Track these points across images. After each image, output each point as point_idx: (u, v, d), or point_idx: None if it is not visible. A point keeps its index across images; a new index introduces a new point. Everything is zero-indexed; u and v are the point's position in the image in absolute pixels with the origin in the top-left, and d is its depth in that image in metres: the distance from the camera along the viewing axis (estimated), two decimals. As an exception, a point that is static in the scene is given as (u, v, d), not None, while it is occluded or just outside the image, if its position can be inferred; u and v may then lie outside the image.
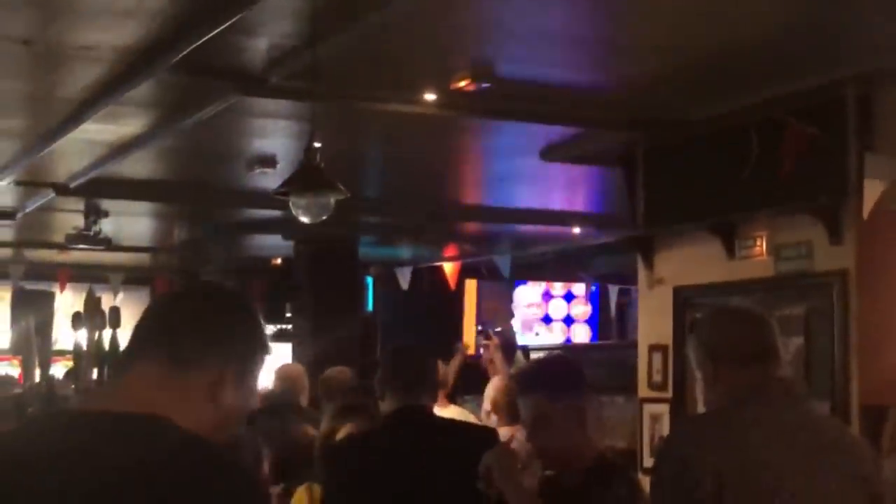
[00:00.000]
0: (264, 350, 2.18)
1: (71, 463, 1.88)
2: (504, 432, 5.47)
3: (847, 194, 6.69)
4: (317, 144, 5.87)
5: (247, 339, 2.16)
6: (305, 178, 5.52)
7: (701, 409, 3.35)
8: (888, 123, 6.64)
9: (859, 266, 6.75)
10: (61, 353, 12.04)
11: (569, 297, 16.36)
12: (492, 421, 7.05)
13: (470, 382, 9.73)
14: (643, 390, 8.31)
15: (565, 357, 4.63)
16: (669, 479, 3.06)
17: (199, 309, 2.15)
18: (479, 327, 14.13)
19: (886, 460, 5.29)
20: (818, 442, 3.07)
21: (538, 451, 3.45)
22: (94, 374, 6.86)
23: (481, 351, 9.94)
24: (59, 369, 11.54)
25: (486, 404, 7.25)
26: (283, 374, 7.56)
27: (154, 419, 1.97)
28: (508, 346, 9.19)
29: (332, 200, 5.61)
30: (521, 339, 14.74)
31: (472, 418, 7.13)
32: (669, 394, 7.98)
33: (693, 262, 7.97)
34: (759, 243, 7.47)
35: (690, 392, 7.80)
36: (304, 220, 5.58)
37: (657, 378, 8.14)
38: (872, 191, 6.40)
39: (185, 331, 2.10)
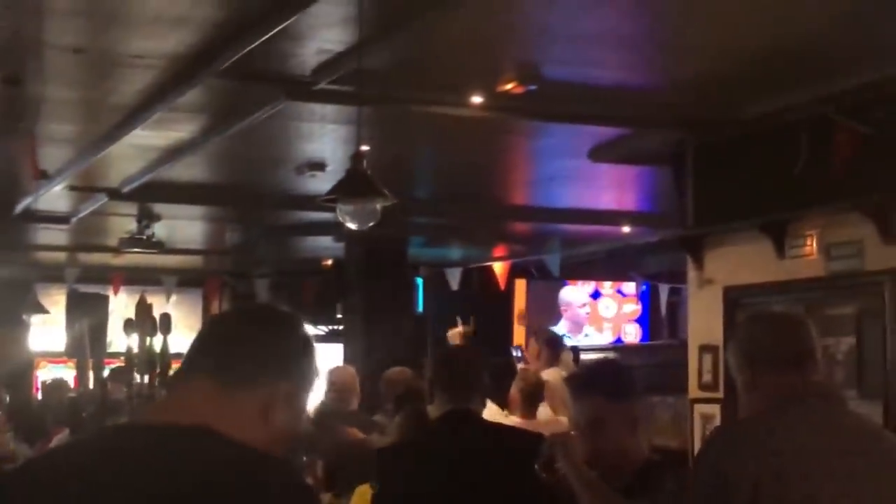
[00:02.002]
0: (314, 374, 2.23)
1: (142, 477, 1.92)
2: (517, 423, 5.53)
3: (898, 192, 6.64)
4: (364, 149, 5.90)
5: (299, 362, 2.20)
6: (352, 185, 5.54)
7: (741, 413, 3.35)
8: (940, 121, 6.59)
9: (912, 265, 6.69)
10: (115, 355, 12.18)
11: (619, 296, 16.33)
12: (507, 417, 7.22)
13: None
14: (693, 391, 8.28)
15: (618, 361, 4.63)
16: (705, 488, 3.06)
17: (253, 330, 2.19)
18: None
19: None
20: (856, 447, 3.05)
21: (591, 454, 3.46)
22: (146, 378, 6.93)
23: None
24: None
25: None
26: (333, 379, 7.60)
27: (212, 433, 2.02)
28: (553, 345, 9.18)
29: (379, 207, 5.63)
30: (570, 340, 14.72)
31: (497, 415, 7.22)
32: (720, 394, 7.94)
33: (743, 261, 7.94)
34: (809, 242, 7.43)
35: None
36: (352, 226, 5.61)
37: (707, 378, 8.10)
38: (924, 189, 6.35)
39: (238, 352, 2.14)
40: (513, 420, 7.29)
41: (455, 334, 10.08)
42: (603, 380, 3.57)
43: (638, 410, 3.52)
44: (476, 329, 10.97)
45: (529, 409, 7.52)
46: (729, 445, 3.13)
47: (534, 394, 7.67)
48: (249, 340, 2.17)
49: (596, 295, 16.33)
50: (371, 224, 5.72)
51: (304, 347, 2.22)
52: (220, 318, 2.38)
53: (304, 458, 5.73)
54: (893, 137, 6.69)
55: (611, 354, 13.46)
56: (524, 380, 7.74)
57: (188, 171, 9.67)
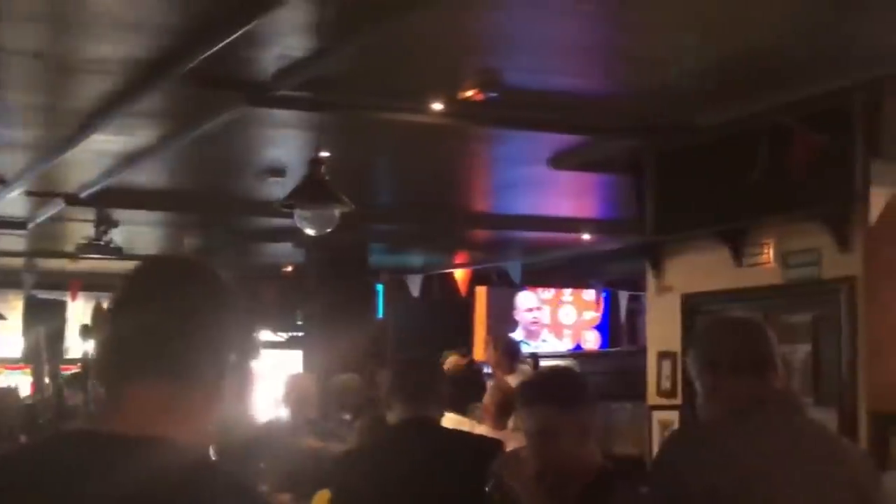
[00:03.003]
0: (257, 350, 2.11)
1: (82, 487, 1.88)
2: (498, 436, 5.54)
3: (854, 201, 6.70)
4: (324, 155, 5.90)
5: (242, 341, 2.06)
6: (310, 191, 5.55)
7: (701, 419, 3.36)
8: (895, 130, 6.65)
9: (867, 273, 6.76)
10: (73, 361, 12.09)
11: (578, 303, 16.37)
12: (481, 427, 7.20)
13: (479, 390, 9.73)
14: (652, 397, 8.32)
15: (569, 369, 4.60)
16: (663, 491, 3.07)
17: (189, 314, 2.00)
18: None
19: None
20: (815, 453, 3.06)
21: (542, 464, 3.41)
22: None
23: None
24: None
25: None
26: (292, 386, 7.58)
27: (163, 442, 1.93)
28: (511, 353, 9.19)
29: (337, 213, 5.64)
30: (527, 347, 14.75)
31: (464, 425, 7.21)
32: (679, 400, 7.98)
33: (701, 268, 7.98)
34: (766, 250, 7.48)
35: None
36: (309, 232, 5.61)
37: (666, 385, 8.14)
38: (879, 198, 6.41)
39: (180, 346, 1.97)
40: (483, 430, 7.28)
41: (453, 361, 10.03)
42: (553, 388, 3.51)
43: (589, 419, 3.45)
44: (471, 359, 11.00)
45: (502, 419, 7.52)
46: (687, 450, 3.14)
47: (508, 404, 7.66)
48: (193, 331, 1.98)
49: (556, 303, 16.37)
50: (329, 230, 5.72)
51: (244, 322, 2.07)
52: (148, 295, 2.03)
53: (262, 465, 5.71)
54: (849, 146, 6.75)
55: (570, 361, 13.50)
56: (500, 390, 7.72)
57: (147, 176, 9.62)
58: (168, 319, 1.99)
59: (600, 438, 3.50)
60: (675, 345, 8.03)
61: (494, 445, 4.37)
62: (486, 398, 7.62)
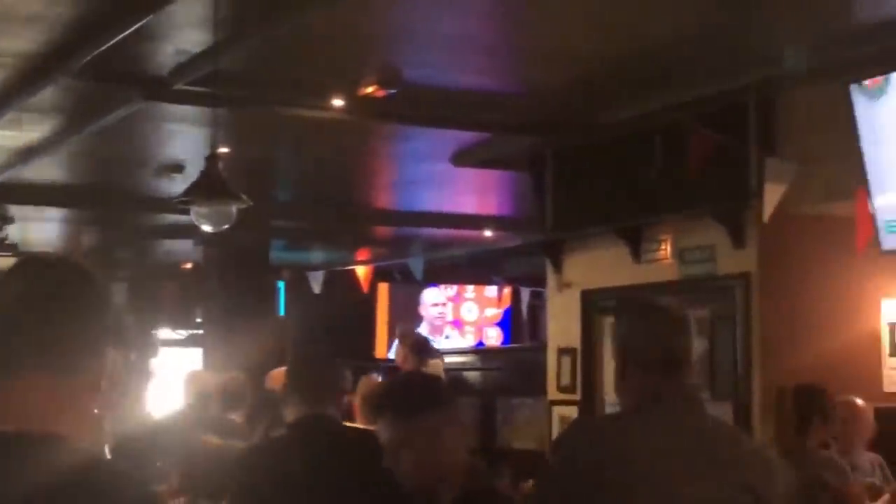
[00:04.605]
0: (155, 348, 2.10)
1: None
2: None
3: (749, 199, 6.82)
4: (222, 151, 5.85)
5: (115, 321, 2.04)
6: (207, 187, 5.49)
7: (612, 402, 3.36)
8: (788, 129, 6.78)
9: (761, 269, 6.88)
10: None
11: (480, 300, 16.43)
12: None
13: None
14: (552, 392, 8.38)
15: (420, 374, 4.38)
16: (556, 472, 3.06)
17: (64, 308, 1.97)
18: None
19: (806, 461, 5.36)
20: (712, 451, 3.07)
21: (404, 475, 3.31)
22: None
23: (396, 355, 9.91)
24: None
25: None
26: (192, 384, 7.50)
27: (50, 439, 1.89)
28: (419, 349, 9.18)
29: (235, 209, 5.58)
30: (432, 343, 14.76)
31: None
32: (578, 396, 8.06)
33: (600, 265, 8.06)
34: (664, 247, 7.58)
35: (598, 394, 7.90)
36: (206, 228, 5.55)
37: (566, 380, 8.21)
38: (773, 195, 6.52)
39: (58, 336, 1.94)
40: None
41: (435, 365, 9.92)
42: (396, 397, 3.42)
43: (445, 425, 3.36)
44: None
45: (370, 416, 7.38)
46: (585, 441, 3.13)
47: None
48: (68, 321, 1.96)
49: (458, 299, 16.41)
50: (226, 226, 5.66)
51: (109, 308, 2.04)
52: (20, 297, 2.01)
53: (159, 465, 5.65)
54: (744, 145, 6.86)
55: (472, 357, 13.56)
56: (367, 387, 7.62)
57: (43, 171, 9.46)
58: (44, 314, 1.97)
59: (458, 439, 3.36)
60: (575, 341, 8.10)
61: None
62: (356, 396, 7.44)
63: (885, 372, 7.00)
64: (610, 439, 3.09)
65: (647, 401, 3.12)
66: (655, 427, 3.08)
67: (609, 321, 7.29)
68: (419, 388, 3.43)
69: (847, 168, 6.18)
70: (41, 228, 12.63)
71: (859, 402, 6.09)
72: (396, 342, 9.65)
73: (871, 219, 6.12)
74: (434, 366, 9.35)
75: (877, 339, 7.04)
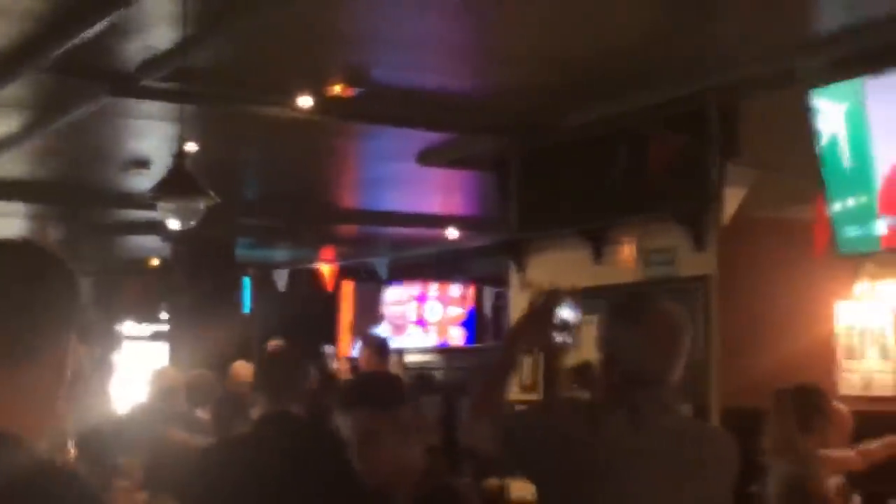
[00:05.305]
0: (119, 342, 1.96)
1: None
2: None
3: (710, 202, 6.90)
4: (190, 148, 5.88)
5: (72, 306, 1.89)
6: (174, 183, 5.52)
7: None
8: (749, 133, 6.87)
9: (721, 272, 6.97)
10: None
11: (444, 299, 16.45)
12: None
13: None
14: (514, 392, 8.42)
15: (386, 372, 4.39)
16: (522, 431, 3.07)
17: (23, 296, 1.82)
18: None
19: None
20: (672, 450, 3.05)
21: (367, 472, 3.35)
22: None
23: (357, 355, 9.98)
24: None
25: None
26: (157, 380, 7.51)
27: (2, 438, 1.77)
28: (380, 350, 9.24)
29: (202, 206, 5.61)
30: (394, 342, 14.80)
31: None
32: (540, 395, 8.12)
33: (563, 266, 8.13)
34: (626, 249, 7.66)
35: (560, 393, 7.96)
36: (173, 225, 5.58)
37: (527, 380, 8.27)
38: (733, 199, 6.62)
39: (15, 324, 1.80)
40: None
41: (395, 363, 9.98)
42: (371, 390, 3.47)
43: (410, 420, 3.34)
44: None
45: (340, 410, 7.46)
46: (563, 422, 3.09)
47: None
48: (22, 308, 1.81)
49: (422, 299, 16.43)
50: (193, 223, 5.69)
51: (76, 286, 1.90)
52: None
53: (122, 461, 5.66)
54: (705, 149, 6.95)
55: (434, 356, 13.59)
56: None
57: (8, 166, 9.44)
58: (2, 299, 1.82)
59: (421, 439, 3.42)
60: (537, 340, 8.15)
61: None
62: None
63: (841, 375, 7.09)
64: (580, 434, 3.07)
65: (620, 404, 3.09)
66: (625, 426, 3.06)
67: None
68: (391, 385, 3.51)
69: (806, 173, 6.26)
70: (6, 224, 12.58)
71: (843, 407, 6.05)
72: (360, 344, 9.68)
73: (829, 223, 6.21)
74: (394, 363, 9.41)
75: (832, 342, 7.13)
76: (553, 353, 7.10)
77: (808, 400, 5.52)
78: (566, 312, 3.23)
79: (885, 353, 6.93)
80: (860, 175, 6.01)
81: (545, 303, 3.27)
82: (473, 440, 3.21)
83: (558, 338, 3.23)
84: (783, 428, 5.40)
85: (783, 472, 5.38)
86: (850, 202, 6.10)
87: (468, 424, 3.19)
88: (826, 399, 5.64)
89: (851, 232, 6.13)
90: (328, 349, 9.12)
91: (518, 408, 7.98)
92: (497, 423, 3.13)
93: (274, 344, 7.16)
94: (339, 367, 8.83)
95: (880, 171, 5.95)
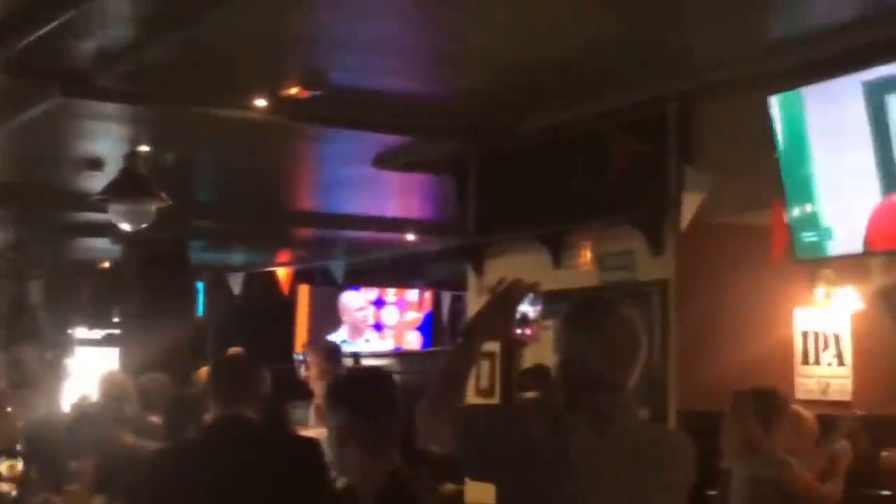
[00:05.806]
0: (70, 346, 1.98)
1: None
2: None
3: (667, 207, 6.90)
4: (142, 149, 5.80)
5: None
6: (125, 185, 5.46)
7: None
8: (707, 138, 6.88)
9: (678, 276, 6.97)
10: None
11: (401, 304, 16.42)
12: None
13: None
14: (471, 396, 8.38)
15: (381, 371, 4.39)
16: (500, 426, 3.02)
17: None
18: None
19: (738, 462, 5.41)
20: (632, 454, 3.05)
21: (342, 472, 3.31)
22: None
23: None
24: None
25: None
26: (106, 382, 7.43)
27: None
28: (332, 356, 9.19)
29: (154, 208, 5.55)
30: (351, 346, 14.75)
31: None
32: (497, 399, 8.09)
33: (521, 270, 7.98)
34: (584, 253, 7.65)
35: (517, 399, 7.94)
36: (124, 227, 5.52)
37: (484, 384, 8.25)
38: (691, 204, 6.62)
39: None
40: (313, 430, 7.23)
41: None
42: (353, 393, 3.44)
43: (396, 425, 3.38)
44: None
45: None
46: (526, 423, 3.05)
47: None
48: None
49: (379, 303, 16.40)
50: (144, 225, 5.63)
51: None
52: None
53: (73, 465, 5.59)
54: (663, 153, 6.95)
55: (391, 361, 13.55)
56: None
57: (-42, 167, 9.31)
58: None
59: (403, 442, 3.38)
60: (494, 345, 8.13)
61: (310, 445, 4.35)
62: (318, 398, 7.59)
63: (798, 380, 7.11)
64: (542, 434, 3.04)
65: (585, 407, 3.07)
66: (585, 427, 3.04)
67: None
68: (378, 389, 3.48)
69: (763, 178, 6.27)
70: (-44, 225, 12.44)
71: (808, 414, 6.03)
72: (310, 350, 9.63)
73: (787, 228, 6.22)
74: (345, 366, 9.38)
75: (790, 347, 7.15)
76: (513, 347, 7.09)
77: (768, 401, 5.53)
78: (527, 307, 3.19)
79: (842, 359, 6.95)
80: (806, 182, 6.03)
81: (507, 291, 3.22)
82: (430, 439, 3.14)
83: (518, 331, 3.19)
84: (745, 429, 5.41)
85: (748, 474, 5.38)
86: (808, 208, 6.11)
87: (425, 422, 3.11)
88: (785, 400, 5.65)
89: (807, 238, 6.15)
90: (299, 356, 9.11)
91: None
92: (456, 422, 3.06)
93: (234, 351, 7.13)
94: (308, 373, 8.79)
95: (820, 180, 5.95)
